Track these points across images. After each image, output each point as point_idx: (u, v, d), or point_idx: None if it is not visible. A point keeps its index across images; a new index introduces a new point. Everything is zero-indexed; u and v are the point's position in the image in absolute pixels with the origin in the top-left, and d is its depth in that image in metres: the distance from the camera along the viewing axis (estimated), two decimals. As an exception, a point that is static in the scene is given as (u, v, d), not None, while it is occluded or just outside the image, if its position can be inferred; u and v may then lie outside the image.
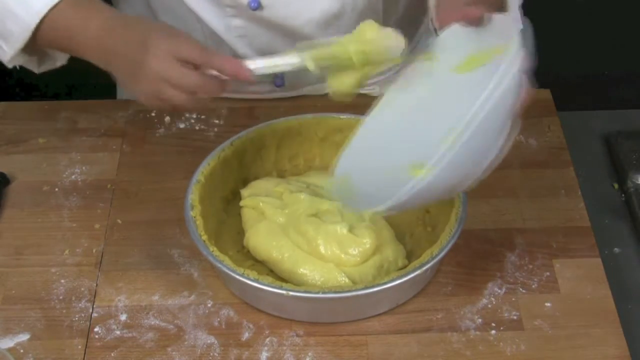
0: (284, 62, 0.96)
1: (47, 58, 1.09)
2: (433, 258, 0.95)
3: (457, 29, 0.94)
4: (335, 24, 1.17)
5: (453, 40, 0.94)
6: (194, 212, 1.00)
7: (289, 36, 1.17)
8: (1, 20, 1.01)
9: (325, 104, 1.25)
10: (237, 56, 1.19)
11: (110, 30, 0.98)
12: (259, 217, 1.03)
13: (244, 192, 1.07)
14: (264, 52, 1.19)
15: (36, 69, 1.09)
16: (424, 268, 0.94)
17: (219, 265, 0.95)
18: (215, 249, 0.96)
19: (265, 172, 1.11)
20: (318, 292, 0.93)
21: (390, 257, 1.00)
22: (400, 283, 0.93)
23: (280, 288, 0.93)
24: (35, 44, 1.03)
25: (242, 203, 1.06)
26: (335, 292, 0.93)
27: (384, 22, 1.20)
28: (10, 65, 1.06)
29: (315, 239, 0.99)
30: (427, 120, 0.93)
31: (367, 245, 0.98)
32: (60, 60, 1.09)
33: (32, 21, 0.99)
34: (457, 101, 0.86)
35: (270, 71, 0.97)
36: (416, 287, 1.00)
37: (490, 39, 0.92)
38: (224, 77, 0.95)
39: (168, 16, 1.20)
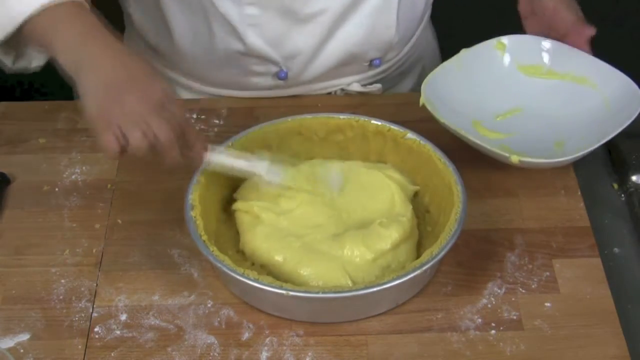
0: (244, 165, 1.02)
1: (24, 57, 1.07)
2: (433, 258, 0.95)
3: (534, 38, 1.19)
4: (349, 16, 1.17)
5: (528, 44, 1.19)
6: (194, 212, 1.00)
7: (301, 27, 1.17)
8: None
9: (325, 103, 1.25)
10: (246, 46, 1.19)
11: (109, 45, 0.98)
12: (255, 221, 1.03)
13: (237, 195, 1.07)
14: (273, 44, 1.19)
15: (10, 64, 1.07)
16: (424, 268, 0.94)
17: (219, 265, 0.95)
18: (215, 249, 0.96)
19: (265, 172, 1.10)
20: (318, 292, 0.93)
21: (401, 258, 0.99)
22: (400, 283, 0.93)
23: (281, 288, 0.93)
24: (18, 39, 1.00)
25: (234, 207, 1.06)
26: (335, 292, 0.93)
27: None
28: None
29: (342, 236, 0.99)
30: (488, 93, 1.17)
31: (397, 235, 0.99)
32: (36, 61, 1.07)
33: (21, 17, 0.97)
34: (513, 93, 1.17)
35: (223, 164, 1.02)
36: (416, 287, 1.00)
37: (569, 66, 1.17)
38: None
39: (178, 2, 1.18)
